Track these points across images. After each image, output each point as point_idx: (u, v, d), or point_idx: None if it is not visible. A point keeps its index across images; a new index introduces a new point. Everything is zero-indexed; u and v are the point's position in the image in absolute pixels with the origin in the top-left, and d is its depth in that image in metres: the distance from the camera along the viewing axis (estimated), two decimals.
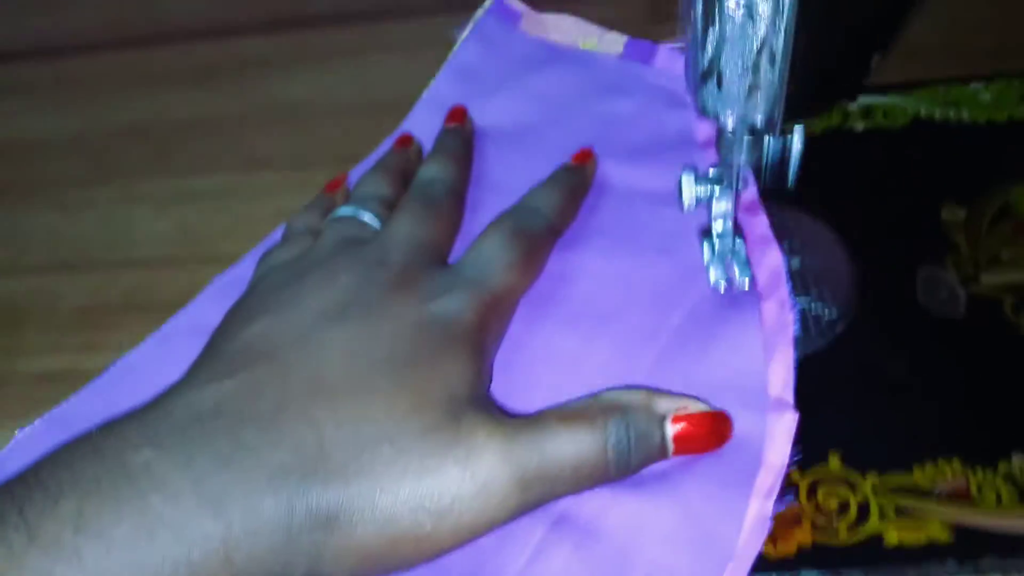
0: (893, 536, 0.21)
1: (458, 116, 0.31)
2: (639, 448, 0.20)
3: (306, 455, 0.18)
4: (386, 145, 0.32)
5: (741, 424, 0.22)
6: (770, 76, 0.19)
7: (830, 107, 0.29)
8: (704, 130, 0.29)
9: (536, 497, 0.20)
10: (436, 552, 0.19)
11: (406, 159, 0.30)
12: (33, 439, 0.24)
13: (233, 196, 0.33)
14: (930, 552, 0.20)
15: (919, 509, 0.21)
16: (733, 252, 0.25)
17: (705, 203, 0.24)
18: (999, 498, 0.21)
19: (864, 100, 0.31)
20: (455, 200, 0.28)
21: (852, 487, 0.22)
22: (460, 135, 0.31)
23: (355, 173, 0.31)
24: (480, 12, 0.36)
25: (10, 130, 0.37)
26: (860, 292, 0.26)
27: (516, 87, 0.33)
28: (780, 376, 0.23)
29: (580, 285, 0.26)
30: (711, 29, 0.19)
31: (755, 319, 0.24)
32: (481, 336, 0.22)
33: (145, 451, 0.18)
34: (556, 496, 0.20)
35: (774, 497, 0.21)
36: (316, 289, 0.22)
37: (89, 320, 0.29)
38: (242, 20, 0.41)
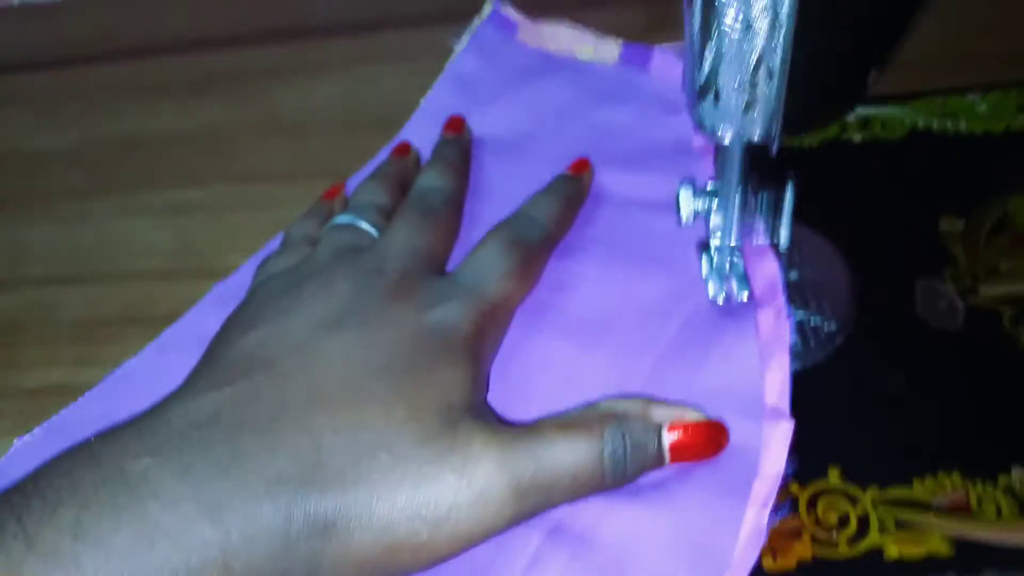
0: (893, 550, 0.21)
1: (456, 125, 0.32)
2: (635, 457, 0.21)
3: (304, 463, 0.19)
4: (384, 154, 0.32)
5: (737, 433, 0.22)
6: (768, 92, 0.20)
7: (828, 122, 0.29)
8: (701, 138, 0.30)
9: (532, 506, 0.20)
10: (433, 560, 0.19)
11: (404, 168, 0.30)
12: (32, 447, 0.24)
13: (230, 208, 0.33)
14: (930, 565, 0.21)
15: (919, 523, 0.21)
16: (731, 265, 0.25)
17: (703, 216, 0.25)
18: (999, 511, 0.21)
19: (861, 111, 0.31)
20: (453, 209, 0.28)
21: (852, 500, 0.22)
22: (458, 144, 0.31)
23: (353, 181, 0.31)
24: (478, 22, 0.36)
25: (7, 142, 0.38)
26: (859, 304, 0.26)
27: (513, 97, 0.33)
28: (776, 385, 0.23)
29: (577, 294, 0.26)
30: (709, 44, 0.20)
31: (751, 328, 0.25)
32: (478, 344, 0.22)
33: (143, 459, 0.18)
34: (552, 505, 0.21)
35: (770, 506, 0.21)
36: (314, 297, 0.23)
37: (86, 333, 0.29)
38: (239, 31, 0.41)
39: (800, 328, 0.26)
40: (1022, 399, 0.23)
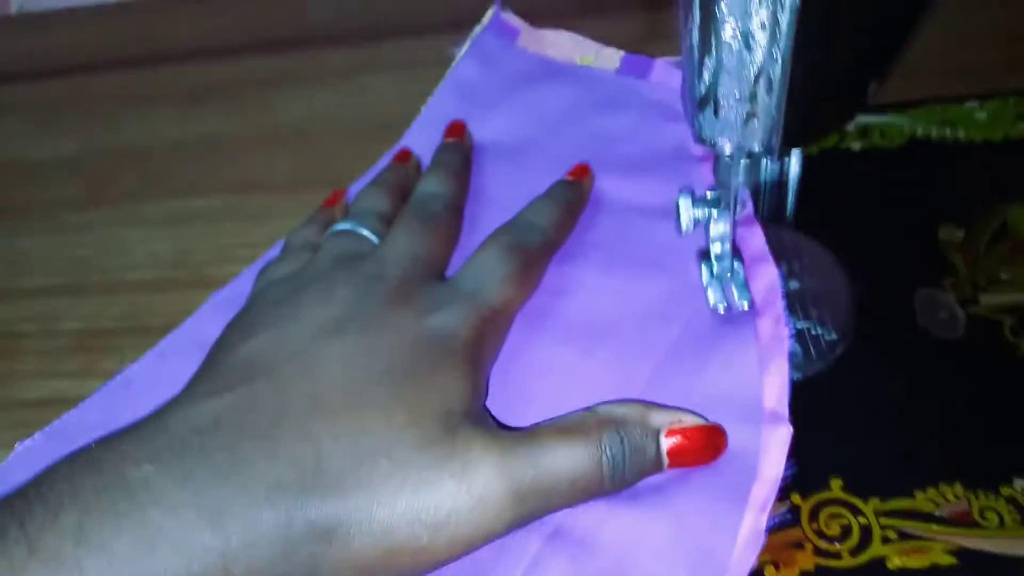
0: (896, 560, 0.21)
1: (457, 131, 0.32)
2: (634, 461, 0.21)
3: (304, 469, 0.19)
4: (385, 160, 0.32)
5: (736, 437, 0.22)
6: (767, 104, 0.20)
7: (827, 134, 0.30)
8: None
9: (531, 510, 0.20)
10: (432, 564, 0.20)
11: (405, 174, 0.31)
12: (32, 452, 0.24)
13: (230, 218, 0.33)
14: None
15: (922, 533, 0.22)
16: (732, 273, 0.25)
17: (703, 225, 0.25)
18: (1002, 521, 0.22)
19: (860, 120, 0.31)
20: (453, 215, 0.28)
21: (854, 511, 0.22)
22: (458, 150, 0.31)
23: (354, 188, 0.32)
24: (479, 28, 0.37)
25: (6, 151, 0.38)
26: (859, 314, 0.26)
27: (514, 102, 0.34)
28: (775, 389, 0.23)
29: (577, 299, 0.27)
30: (708, 57, 0.20)
31: (751, 334, 0.25)
32: (478, 350, 0.23)
33: (144, 465, 0.18)
34: (552, 509, 0.21)
35: (768, 511, 0.21)
36: (314, 304, 0.23)
37: (85, 344, 0.30)
38: (238, 40, 0.42)
39: (800, 338, 0.26)
40: (1023, 409, 0.24)
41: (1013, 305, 0.26)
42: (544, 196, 0.29)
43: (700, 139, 0.22)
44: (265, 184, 0.35)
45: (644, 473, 0.22)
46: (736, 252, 0.26)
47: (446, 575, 0.20)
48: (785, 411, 0.23)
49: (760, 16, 0.19)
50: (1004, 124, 0.31)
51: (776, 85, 0.19)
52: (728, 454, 0.22)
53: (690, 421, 0.22)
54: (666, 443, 0.22)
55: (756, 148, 0.21)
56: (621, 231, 0.29)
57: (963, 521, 0.22)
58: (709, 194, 0.25)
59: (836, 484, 0.23)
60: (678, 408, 0.23)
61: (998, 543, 0.21)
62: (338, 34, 0.42)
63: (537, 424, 0.22)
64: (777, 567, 0.21)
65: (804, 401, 0.23)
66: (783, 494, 0.22)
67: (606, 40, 0.35)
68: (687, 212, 0.25)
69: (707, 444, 0.22)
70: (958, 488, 0.22)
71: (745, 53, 0.19)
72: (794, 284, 0.27)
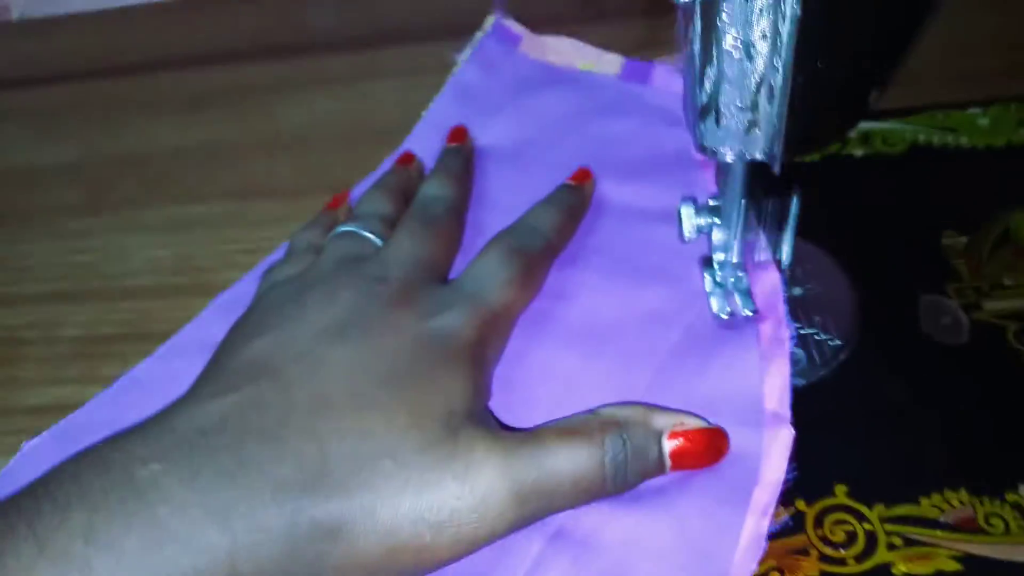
0: (901, 567, 0.21)
1: (459, 136, 0.33)
2: (636, 463, 0.22)
3: (309, 469, 0.19)
4: (388, 164, 0.33)
5: (738, 440, 0.23)
6: (769, 113, 0.20)
7: (829, 143, 0.30)
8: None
9: (534, 511, 0.21)
10: (435, 564, 0.20)
11: (407, 177, 0.31)
12: (39, 451, 0.25)
13: (230, 224, 0.34)
14: None
15: (927, 539, 0.22)
16: (735, 280, 0.26)
17: (706, 233, 0.25)
18: (1007, 527, 0.22)
19: (863, 126, 0.32)
20: (455, 218, 0.29)
21: (859, 517, 0.22)
22: (461, 154, 0.32)
23: (357, 191, 0.32)
24: (480, 34, 0.38)
25: (6, 158, 0.38)
26: (862, 320, 0.27)
27: (516, 107, 0.35)
28: (776, 390, 0.24)
29: (579, 303, 0.27)
30: (709, 66, 0.20)
31: (752, 337, 0.25)
32: (480, 352, 0.23)
33: (152, 465, 0.19)
34: (554, 511, 0.22)
35: (770, 514, 0.22)
36: (318, 306, 0.23)
37: (87, 350, 0.30)
38: (239, 46, 0.42)
39: (804, 343, 0.26)
40: None
41: (1017, 310, 0.26)
42: (546, 200, 0.29)
43: (702, 148, 0.22)
44: (266, 190, 0.35)
45: (646, 475, 0.22)
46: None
47: (449, 575, 0.21)
48: (787, 413, 0.23)
49: (761, 26, 0.19)
50: (1006, 130, 0.31)
51: (777, 94, 0.20)
52: (730, 457, 0.23)
53: (692, 424, 0.23)
54: (668, 445, 0.22)
55: (758, 157, 0.22)
56: (622, 235, 0.29)
57: (968, 527, 0.22)
58: (711, 202, 0.25)
59: (841, 490, 0.23)
60: (680, 411, 0.23)
61: (1003, 549, 0.22)
62: (339, 40, 0.42)
63: (540, 425, 0.23)
64: (782, 573, 0.22)
65: (808, 407, 0.24)
66: (787, 500, 0.23)
67: (607, 46, 0.36)
68: (689, 220, 0.25)
69: (709, 447, 0.22)
70: (963, 494, 0.23)
71: (746, 62, 0.20)
72: (797, 290, 0.28)
